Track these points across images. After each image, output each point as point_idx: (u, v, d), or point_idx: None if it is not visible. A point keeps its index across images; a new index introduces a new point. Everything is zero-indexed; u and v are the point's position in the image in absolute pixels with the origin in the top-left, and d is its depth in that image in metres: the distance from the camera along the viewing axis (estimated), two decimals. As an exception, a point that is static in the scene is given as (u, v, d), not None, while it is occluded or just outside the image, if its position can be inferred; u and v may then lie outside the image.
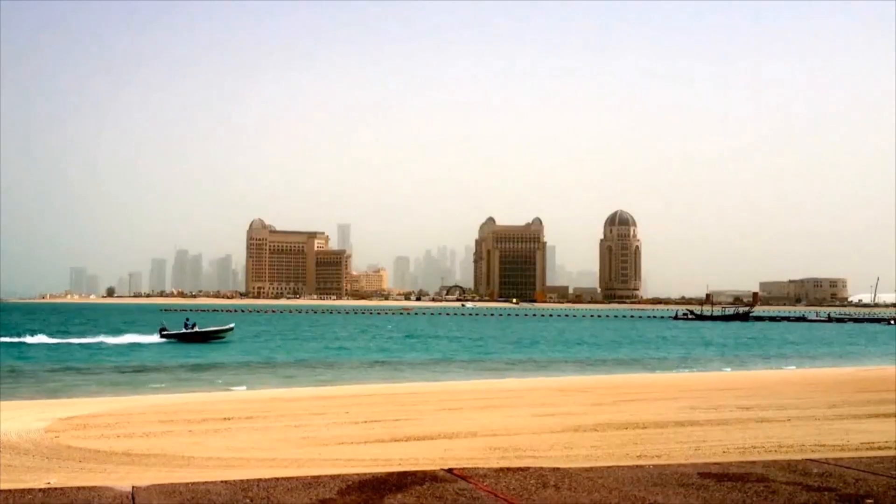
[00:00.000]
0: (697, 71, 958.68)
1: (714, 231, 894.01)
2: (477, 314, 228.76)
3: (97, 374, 43.97)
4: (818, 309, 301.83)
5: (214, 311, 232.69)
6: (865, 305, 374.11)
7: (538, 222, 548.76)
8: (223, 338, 77.17)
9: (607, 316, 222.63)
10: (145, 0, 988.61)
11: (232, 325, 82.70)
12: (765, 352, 74.86)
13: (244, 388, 36.55)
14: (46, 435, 18.01)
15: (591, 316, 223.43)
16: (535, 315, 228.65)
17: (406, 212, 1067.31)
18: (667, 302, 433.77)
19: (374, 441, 17.15)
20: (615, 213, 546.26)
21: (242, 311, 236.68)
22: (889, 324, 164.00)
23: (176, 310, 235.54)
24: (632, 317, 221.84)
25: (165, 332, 75.00)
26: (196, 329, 75.50)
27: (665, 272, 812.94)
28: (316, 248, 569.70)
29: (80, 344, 71.33)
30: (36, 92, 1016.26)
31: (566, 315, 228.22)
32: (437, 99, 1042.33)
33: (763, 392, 29.11)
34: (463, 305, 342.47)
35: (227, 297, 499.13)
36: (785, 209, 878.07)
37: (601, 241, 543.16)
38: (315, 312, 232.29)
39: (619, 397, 27.12)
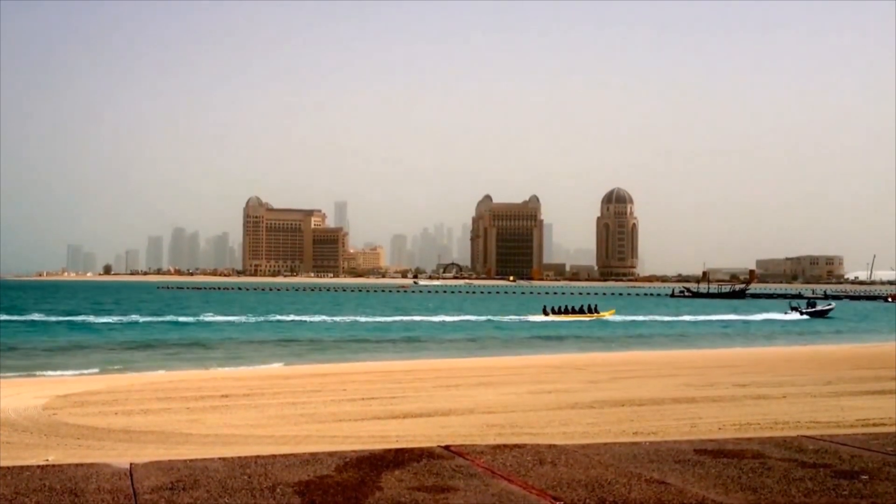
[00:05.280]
0: (694, 52, 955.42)
1: (711, 209, 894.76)
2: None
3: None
4: (815, 286, 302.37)
5: (212, 288, 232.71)
6: (862, 283, 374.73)
7: (535, 200, 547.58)
8: (828, 315, 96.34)
9: (605, 294, 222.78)
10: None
11: (833, 305, 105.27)
12: (762, 329, 75.06)
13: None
14: (44, 412, 18.04)
15: (589, 294, 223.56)
16: (532, 293, 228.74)
17: (403, 189, 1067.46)
18: (663, 279, 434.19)
19: (372, 418, 17.20)
20: (612, 191, 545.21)
21: (240, 288, 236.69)
22: (886, 301, 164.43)
23: (172, 287, 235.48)
24: (629, 294, 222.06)
25: (802, 311, 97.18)
26: (817, 308, 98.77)
27: (662, 250, 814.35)
28: (313, 226, 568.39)
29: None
30: (34, 74, 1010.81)
31: (563, 293, 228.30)
32: (434, 78, 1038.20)
33: (759, 369, 29.22)
34: (416, 283, 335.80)
35: (224, 275, 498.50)
36: (782, 187, 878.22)
37: (598, 218, 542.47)
38: (316, 290, 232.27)
39: (615, 374, 27.21)
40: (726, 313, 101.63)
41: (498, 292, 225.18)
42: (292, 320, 79.77)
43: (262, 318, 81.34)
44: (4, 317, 75.59)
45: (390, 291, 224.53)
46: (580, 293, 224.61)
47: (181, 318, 78.97)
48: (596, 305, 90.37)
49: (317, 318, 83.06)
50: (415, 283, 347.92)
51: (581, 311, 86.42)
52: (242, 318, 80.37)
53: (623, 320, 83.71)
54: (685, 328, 74.81)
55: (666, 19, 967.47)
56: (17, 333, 56.92)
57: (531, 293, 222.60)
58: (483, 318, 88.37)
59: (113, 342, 50.83)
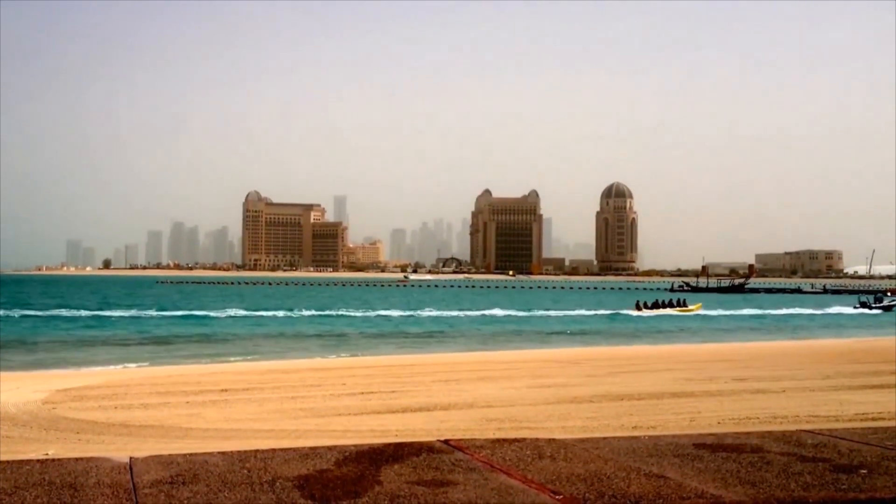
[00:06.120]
0: (694, 48, 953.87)
1: (710, 203, 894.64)
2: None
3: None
4: (814, 281, 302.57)
5: (212, 283, 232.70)
6: (861, 277, 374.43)
7: (535, 194, 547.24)
8: (893, 309, 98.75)
9: (604, 288, 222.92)
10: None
11: None
12: (760, 323, 75.13)
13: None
14: (44, 406, 18.05)
15: (588, 288, 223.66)
16: (531, 287, 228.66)
17: (402, 184, 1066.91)
18: (662, 274, 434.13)
19: (371, 412, 17.21)
20: (611, 186, 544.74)
21: (240, 283, 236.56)
22: (885, 295, 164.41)
23: (171, 282, 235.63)
24: (628, 289, 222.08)
25: (872, 305, 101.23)
26: (884, 303, 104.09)
27: (661, 244, 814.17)
28: (312, 220, 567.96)
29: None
30: (33, 71, 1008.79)
31: (561, 287, 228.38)
32: (434, 72, 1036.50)
33: (758, 363, 29.24)
34: (406, 278, 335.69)
35: (224, 270, 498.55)
36: (781, 181, 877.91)
37: (597, 213, 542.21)
38: (319, 285, 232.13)
39: (614, 369, 27.23)
40: (804, 307, 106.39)
41: (497, 287, 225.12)
42: (309, 315, 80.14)
43: (265, 313, 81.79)
44: (23, 312, 76.14)
45: (388, 286, 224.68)
46: (579, 288, 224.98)
47: (196, 312, 79.83)
48: (685, 300, 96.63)
49: (334, 313, 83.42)
50: (405, 277, 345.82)
51: (671, 305, 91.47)
52: (265, 313, 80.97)
53: (707, 314, 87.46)
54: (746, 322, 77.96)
55: (666, 15, 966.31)
56: (25, 329, 56.96)
57: (530, 288, 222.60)
58: (531, 312, 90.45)
59: (127, 337, 51.12)
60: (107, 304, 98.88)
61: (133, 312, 78.91)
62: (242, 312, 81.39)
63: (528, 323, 72.23)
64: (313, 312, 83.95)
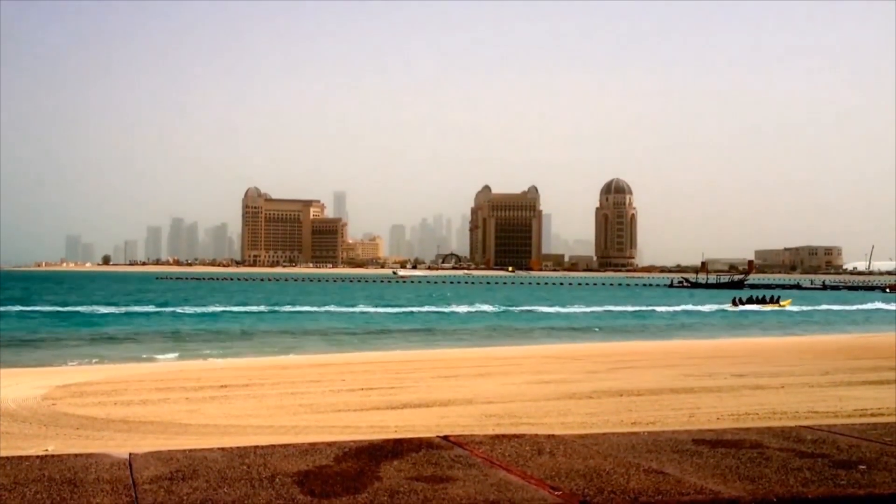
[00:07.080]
0: (694, 44, 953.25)
1: (710, 200, 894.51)
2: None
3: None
4: (813, 277, 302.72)
5: (212, 279, 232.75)
6: (860, 273, 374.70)
7: (534, 190, 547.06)
8: None
9: (603, 284, 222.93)
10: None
11: None
12: (759, 319, 75.16)
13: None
14: (44, 402, 18.06)
15: (588, 284, 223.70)
16: (531, 283, 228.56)
17: (402, 180, 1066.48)
18: (662, 270, 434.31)
19: (371, 408, 17.21)
20: (611, 182, 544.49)
21: (240, 279, 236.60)
22: (884, 291, 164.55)
23: (172, 278, 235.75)
24: (627, 285, 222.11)
25: None
26: None
27: (660, 240, 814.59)
28: (312, 217, 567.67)
29: None
30: (33, 67, 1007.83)
31: (560, 283, 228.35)
32: (434, 68, 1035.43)
33: (757, 359, 29.25)
34: (395, 273, 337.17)
35: (224, 266, 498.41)
36: (781, 177, 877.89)
37: (597, 209, 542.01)
38: (318, 281, 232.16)
39: (613, 365, 27.23)
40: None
41: (498, 283, 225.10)
42: (333, 311, 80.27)
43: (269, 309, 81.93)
44: (39, 308, 76.38)
45: (386, 282, 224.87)
46: (578, 284, 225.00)
47: (217, 309, 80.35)
48: (778, 297, 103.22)
49: (357, 310, 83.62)
50: (394, 273, 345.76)
51: (764, 301, 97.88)
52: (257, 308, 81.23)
53: (797, 309, 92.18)
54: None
55: (665, 12, 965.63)
56: (34, 326, 56.97)
57: (530, 283, 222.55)
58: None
59: (145, 332, 51.37)
60: (116, 300, 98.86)
61: (151, 308, 79.08)
62: (262, 309, 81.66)
63: (547, 319, 72.05)
64: (335, 308, 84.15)
